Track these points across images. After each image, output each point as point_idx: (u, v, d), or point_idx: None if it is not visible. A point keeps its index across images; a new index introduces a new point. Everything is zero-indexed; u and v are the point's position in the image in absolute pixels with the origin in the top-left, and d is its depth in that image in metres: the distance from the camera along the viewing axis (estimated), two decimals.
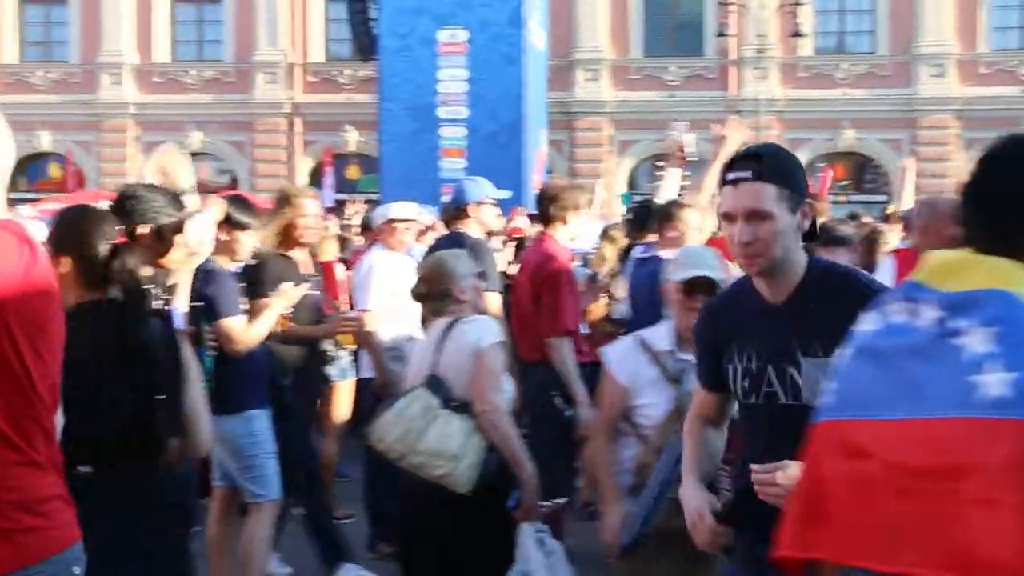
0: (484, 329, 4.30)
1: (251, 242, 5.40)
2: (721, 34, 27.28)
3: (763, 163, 2.75)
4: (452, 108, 21.54)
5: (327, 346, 7.14)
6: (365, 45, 24.23)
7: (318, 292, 6.03)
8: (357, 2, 24.34)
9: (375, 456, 6.50)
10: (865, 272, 3.15)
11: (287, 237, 5.87)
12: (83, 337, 3.17)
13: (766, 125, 27.86)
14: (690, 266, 4.02)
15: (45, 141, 30.44)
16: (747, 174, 2.75)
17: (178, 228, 4.38)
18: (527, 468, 4.20)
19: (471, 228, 6.26)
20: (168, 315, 3.67)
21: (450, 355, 4.25)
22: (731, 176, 2.77)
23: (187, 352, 3.42)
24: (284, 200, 6.00)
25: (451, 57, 21.52)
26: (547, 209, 6.11)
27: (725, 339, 2.94)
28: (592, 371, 5.54)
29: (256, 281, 5.52)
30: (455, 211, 6.38)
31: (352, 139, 29.33)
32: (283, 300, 5.32)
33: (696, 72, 28.92)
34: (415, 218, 7.23)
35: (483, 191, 6.45)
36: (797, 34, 26.67)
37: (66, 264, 3.27)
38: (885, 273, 5.53)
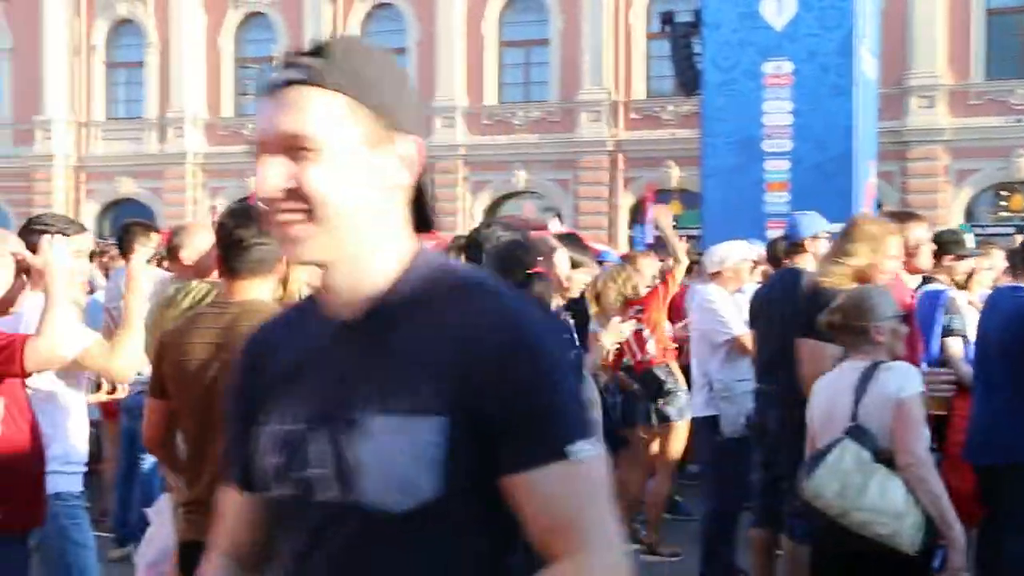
0: (905, 377, 4.05)
1: (583, 279, 5.41)
2: None
3: (327, 59, 1.55)
4: (777, 141, 21.07)
5: (670, 385, 7.16)
6: (688, 80, 24.16)
7: None
8: (680, 38, 24.32)
9: (721, 496, 6.38)
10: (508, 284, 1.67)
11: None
12: None
13: None
14: None
15: None
16: (296, 74, 1.55)
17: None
18: (956, 527, 3.93)
19: (807, 263, 6.02)
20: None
21: (870, 404, 4.03)
22: (270, 80, 1.58)
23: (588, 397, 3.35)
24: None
25: (776, 89, 21.08)
26: None
27: (261, 391, 1.65)
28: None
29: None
30: (791, 246, 6.16)
31: (674, 175, 29.32)
32: (611, 337, 5.28)
33: None
34: (755, 258, 7.11)
35: (817, 225, 6.21)
36: None
37: None
38: None
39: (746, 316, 6.39)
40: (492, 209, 31.53)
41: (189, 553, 3.44)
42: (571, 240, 5.48)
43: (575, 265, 5.24)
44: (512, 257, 3.41)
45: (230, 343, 3.38)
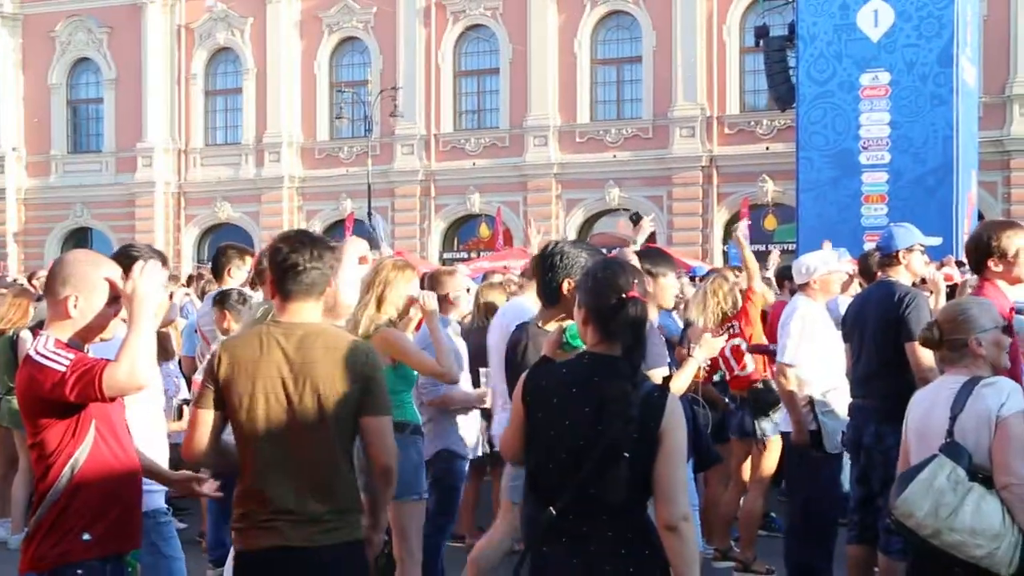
0: (1007, 393, 3.89)
1: (672, 289, 5.35)
2: None
3: None
4: (874, 153, 20.81)
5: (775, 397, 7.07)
6: (783, 94, 23.93)
7: None
8: (775, 51, 24.11)
9: (812, 512, 6.28)
10: None
11: None
12: (544, 382, 3.37)
13: None
14: None
15: (476, 203, 32.42)
16: None
17: None
18: None
19: (901, 276, 5.90)
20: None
21: (967, 420, 3.90)
22: None
23: (671, 422, 3.27)
24: None
25: (873, 101, 20.83)
26: (974, 255, 5.65)
27: None
28: None
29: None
30: (884, 258, 6.04)
31: (769, 189, 29.00)
32: (705, 352, 5.21)
33: None
34: (844, 269, 6.98)
35: (913, 237, 6.08)
36: None
37: (583, 314, 3.41)
38: None
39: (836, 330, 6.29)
40: (585, 227, 31.51)
41: (242, 563, 3.67)
42: (651, 253, 5.40)
43: (660, 276, 5.20)
44: (607, 281, 3.38)
45: (304, 362, 3.59)
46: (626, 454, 3.18)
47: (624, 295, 3.29)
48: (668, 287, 5.26)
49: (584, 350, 3.42)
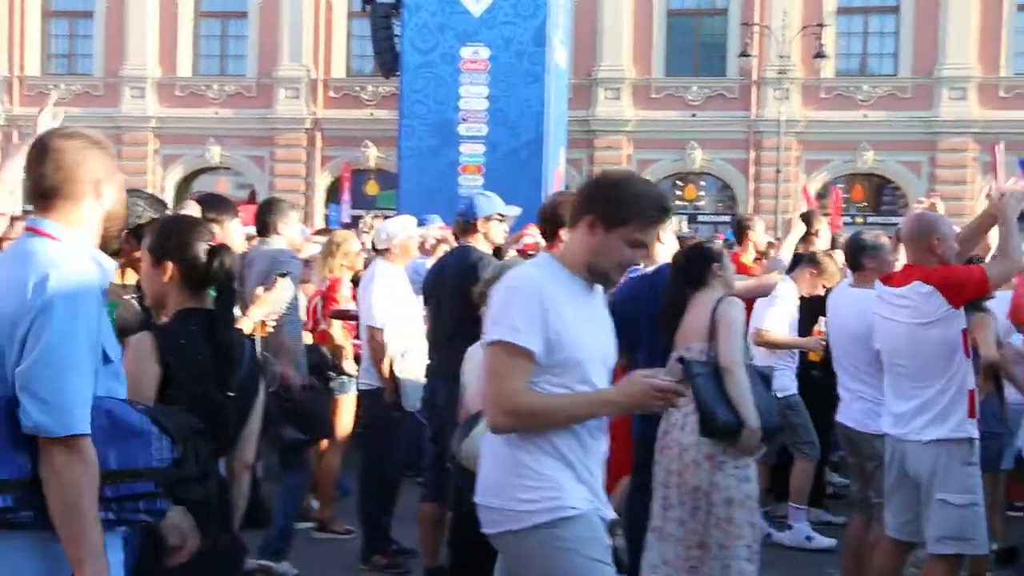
0: None
1: (238, 232, 5.28)
2: (744, 55, 27.22)
3: None
4: (472, 125, 21.56)
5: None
6: (387, 61, 24.24)
7: None
8: (381, 18, 24.36)
9: (373, 469, 6.51)
10: None
11: None
12: (183, 340, 3.24)
13: (786, 146, 27.74)
14: None
15: None
16: None
17: None
18: None
19: (479, 242, 6.18)
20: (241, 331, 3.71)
21: None
22: None
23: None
24: None
25: (473, 74, 21.55)
26: (547, 225, 6.06)
27: None
28: None
29: None
30: (464, 225, 6.29)
31: (372, 155, 29.36)
32: (260, 309, 5.11)
33: (717, 92, 28.85)
34: (433, 234, 7.27)
35: (493, 206, 6.36)
36: (820, 55, 26.58)
37: (169, 270, 3.29)
38: None
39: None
40: (184, 183, 30.55)
41: None
42: (209, 200, 5.27)
43: (220, 223, 5.05)
44: (186, 235, 3.34)
45: None
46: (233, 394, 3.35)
47: (211, 244, 3.32)
48: (233, 230, 5.18)
49: (179, 308, 3.32)
